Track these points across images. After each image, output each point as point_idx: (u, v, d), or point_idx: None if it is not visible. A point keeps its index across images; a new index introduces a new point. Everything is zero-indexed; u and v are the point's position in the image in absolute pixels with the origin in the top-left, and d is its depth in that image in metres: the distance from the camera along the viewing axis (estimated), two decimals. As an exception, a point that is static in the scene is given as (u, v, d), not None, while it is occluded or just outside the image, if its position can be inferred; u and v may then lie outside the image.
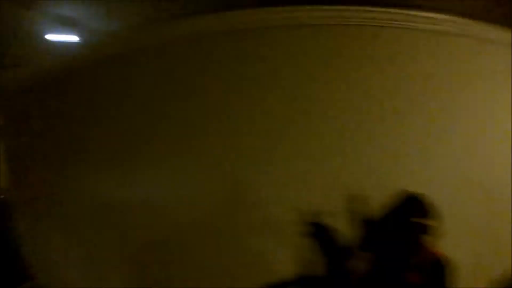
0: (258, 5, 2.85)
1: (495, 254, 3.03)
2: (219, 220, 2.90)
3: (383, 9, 3.02)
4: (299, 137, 2.89)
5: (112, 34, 3.85)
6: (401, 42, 3.16)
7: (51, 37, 4.57)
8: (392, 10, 3.02)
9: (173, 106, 3.08)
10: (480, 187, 3.17)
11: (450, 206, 2.46)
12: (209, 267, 2.98)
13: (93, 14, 3.82)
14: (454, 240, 2.34)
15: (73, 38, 4.66)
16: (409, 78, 3.18)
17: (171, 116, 3.07)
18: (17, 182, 5.81)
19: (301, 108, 2.91)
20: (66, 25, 4.12)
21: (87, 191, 3.80)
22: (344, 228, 2.70)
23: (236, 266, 2.91)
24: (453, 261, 1.89)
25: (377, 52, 3.10)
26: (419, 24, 3.13)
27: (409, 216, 2.01)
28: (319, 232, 2.80)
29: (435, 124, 3.22)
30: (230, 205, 2.86)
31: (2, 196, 5.86)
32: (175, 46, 3.06)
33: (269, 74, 2.88)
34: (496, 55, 3.30)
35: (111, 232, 3.61)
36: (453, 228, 2.28)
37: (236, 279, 2.93)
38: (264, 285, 2.67)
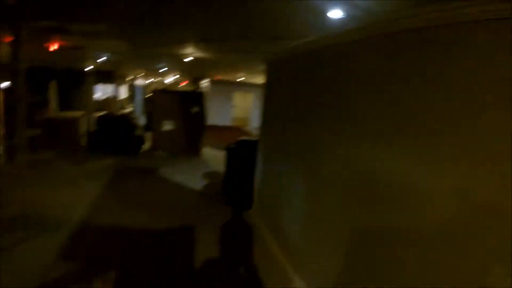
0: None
1: None
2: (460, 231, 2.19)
3: None
4: None
5: (378, 14, 3.76)
6: None
7: (326, 14, 5.02)
8: None
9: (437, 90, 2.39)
10: None
11: None
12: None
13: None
14: None
15: (341, 14, 5.02)
16: None
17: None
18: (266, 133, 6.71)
19: None
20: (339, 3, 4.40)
21: (344, 158, 3.52)
22: None
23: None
24: None
25: None
26: None
27: None
28: None
29: None
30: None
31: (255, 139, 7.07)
32: (440, 29, 2.41)
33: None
34: None
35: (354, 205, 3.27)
36: None
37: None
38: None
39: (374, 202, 2.91)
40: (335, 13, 5.34)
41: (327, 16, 5.51)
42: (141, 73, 32.07)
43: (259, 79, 22.02)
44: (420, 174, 2.42)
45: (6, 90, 15.00)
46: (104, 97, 30.28)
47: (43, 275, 4.68)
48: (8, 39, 10.15)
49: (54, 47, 12.33)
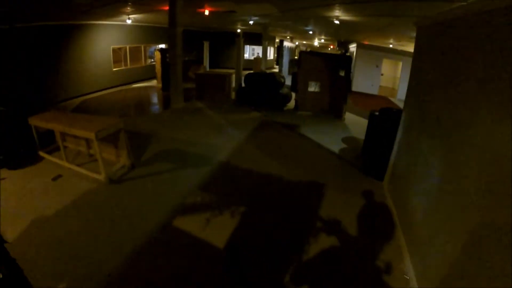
0: None
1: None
2: None
3: None
4: None
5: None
6: None
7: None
8: None
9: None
10: None
11: None
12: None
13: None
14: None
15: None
16: None
17: None
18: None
19: None
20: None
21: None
22: None
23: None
24: None
25: None
26: None
27: None
28: None
29: None
30: None
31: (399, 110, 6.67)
32: None
33: None
34: None
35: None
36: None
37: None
38: None
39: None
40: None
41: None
42: (288, 36, 32.74)
43: (409, 47, 20.86)
44: None
45: (162, 50, 16.93)
46: (252, 57, 31.89)
47: (183, 198, 5.83)
48: (166, 7, 11.37)
49: (206, 12, 13.39)
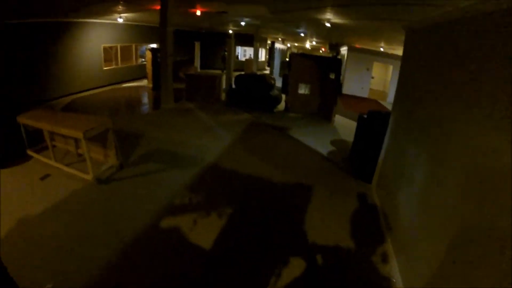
0: None
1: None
2: None
3: None
4: None
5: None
6: None
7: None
8: None
9: None
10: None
11: None
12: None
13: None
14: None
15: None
16: None
17: None
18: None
19: None
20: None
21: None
22: None
23: None
24: None
25: None
26: None
27: None
28: None
29: None
30: None
31: (388, 112, 6.60)
32: None
33: None
34: None
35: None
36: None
37: None
38: None
39: (494, 202, 2.44)
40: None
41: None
42: (280, 37, 32.85)
43: (399, 51, 20.96)
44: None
45: (154, 50, 16.89)
46: (244, 58, 31.99)
47: (171, 199, 5.81)
48: (158, 7, 11.40)
49: (198, 12, 13.43)
